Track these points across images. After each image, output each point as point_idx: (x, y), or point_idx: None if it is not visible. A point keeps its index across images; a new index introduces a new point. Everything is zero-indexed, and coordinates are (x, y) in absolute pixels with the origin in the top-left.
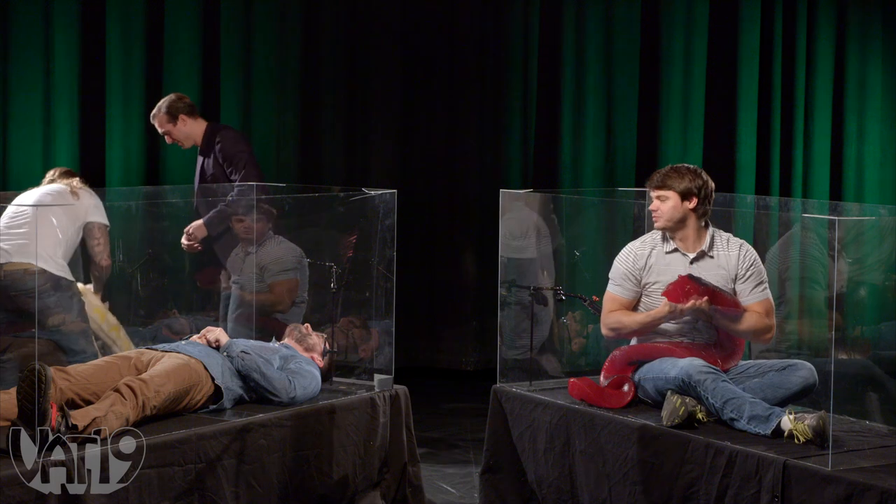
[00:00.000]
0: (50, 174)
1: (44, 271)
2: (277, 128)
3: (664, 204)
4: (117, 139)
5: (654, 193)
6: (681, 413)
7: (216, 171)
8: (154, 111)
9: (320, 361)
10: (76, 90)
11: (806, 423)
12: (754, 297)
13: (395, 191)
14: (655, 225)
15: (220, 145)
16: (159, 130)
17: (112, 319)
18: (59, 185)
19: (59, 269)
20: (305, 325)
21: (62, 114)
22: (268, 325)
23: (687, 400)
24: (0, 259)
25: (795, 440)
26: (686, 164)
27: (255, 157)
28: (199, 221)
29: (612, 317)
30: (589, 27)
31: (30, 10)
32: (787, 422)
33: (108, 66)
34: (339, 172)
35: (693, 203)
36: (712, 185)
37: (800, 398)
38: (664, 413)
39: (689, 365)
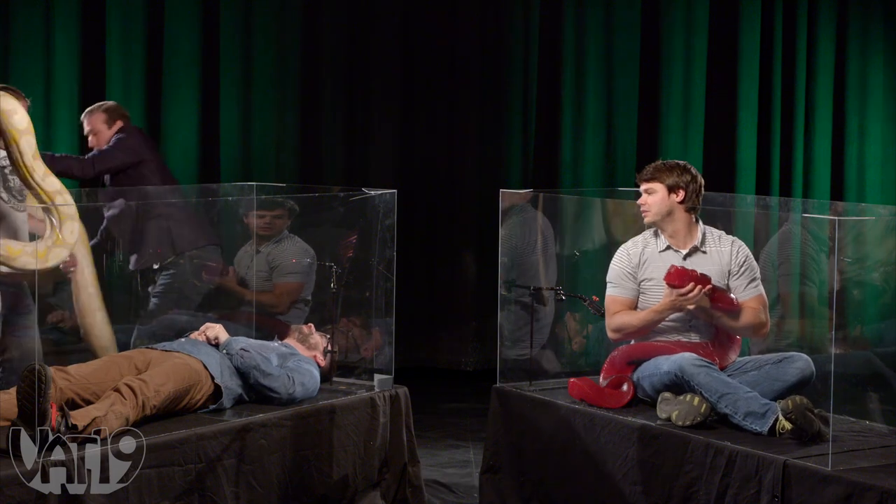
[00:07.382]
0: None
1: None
2: (277, 128)
3: (651, 197)
4: None
5: (642, 187)
6: (702, 411)
7: None
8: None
9: (322, 361)
10: (76, 90)
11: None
12: (749, 293)
13: (395, 191)
14: (644, 220)
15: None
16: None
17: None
18: None
19: None
20: (308, 324)
21: (62, 114)
22: (269, 325)
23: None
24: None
25: (780, 429)
26: (676, 160)
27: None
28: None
29: (616, 318)
30: (589, 27)
31: (30, 10)
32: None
33: (108, 66)
34: (339, 172)
35: (680, 196)
36: (701, 181)
37: (797, 390)
38: (680, 412)
39: (682, 359)
